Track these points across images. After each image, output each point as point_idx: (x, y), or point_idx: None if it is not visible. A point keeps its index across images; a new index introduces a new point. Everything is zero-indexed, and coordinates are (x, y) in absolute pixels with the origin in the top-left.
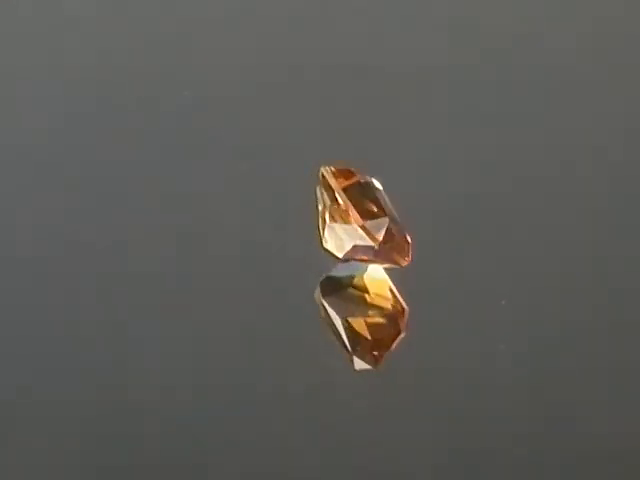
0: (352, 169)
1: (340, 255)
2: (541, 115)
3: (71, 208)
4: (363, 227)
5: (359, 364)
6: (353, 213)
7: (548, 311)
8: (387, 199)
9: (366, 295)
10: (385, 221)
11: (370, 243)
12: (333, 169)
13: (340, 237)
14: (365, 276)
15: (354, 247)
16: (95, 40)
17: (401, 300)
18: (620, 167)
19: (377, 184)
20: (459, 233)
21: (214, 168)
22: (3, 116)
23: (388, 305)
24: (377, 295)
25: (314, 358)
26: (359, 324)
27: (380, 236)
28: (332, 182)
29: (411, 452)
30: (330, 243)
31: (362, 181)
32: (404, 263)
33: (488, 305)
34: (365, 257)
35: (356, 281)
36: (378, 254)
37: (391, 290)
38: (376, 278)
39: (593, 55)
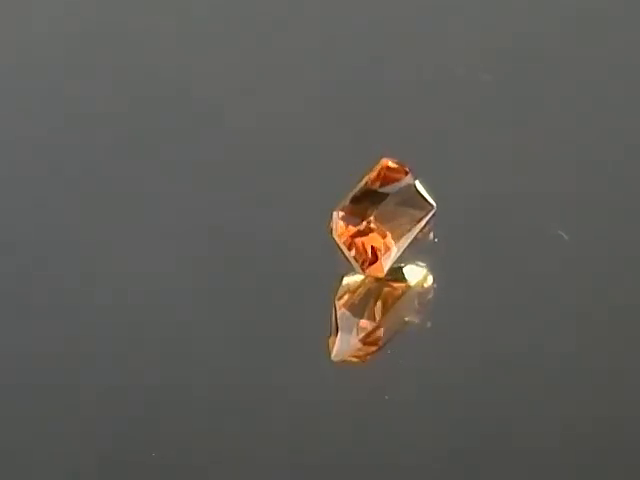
0: (414, 181)
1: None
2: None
3: (70, 207)
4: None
5: (336, 355)
6: (344, 207)
7: (548, 311)
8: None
9: (377, 293)
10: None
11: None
12: (391, 167)
13: None
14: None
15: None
16: (95, 39)
17: (386, 315)
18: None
19: (425, 205)
20: (459, 233)
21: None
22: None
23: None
24: (386, 296)
25: (315, 357)
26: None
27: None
28: (367, 174)
29: (411, 452)
30: None
31: (383, 191)
32: (363, 274)
33: (488, 304)
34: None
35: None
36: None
37: (394, 299)
38: (404, 282)
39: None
